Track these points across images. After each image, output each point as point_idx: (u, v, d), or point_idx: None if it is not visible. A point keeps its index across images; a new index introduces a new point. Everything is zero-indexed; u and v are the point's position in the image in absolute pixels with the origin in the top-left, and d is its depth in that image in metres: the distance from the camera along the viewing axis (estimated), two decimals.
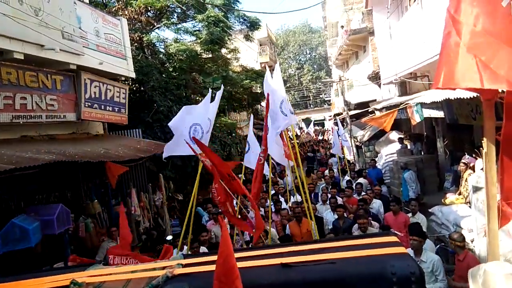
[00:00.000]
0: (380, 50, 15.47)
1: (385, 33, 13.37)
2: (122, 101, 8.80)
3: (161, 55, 13.53)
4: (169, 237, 7.38)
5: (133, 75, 9.16)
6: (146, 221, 9.13)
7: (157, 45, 13.85)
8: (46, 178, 6.31)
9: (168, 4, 12.95)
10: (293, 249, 2.05)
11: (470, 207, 6.71)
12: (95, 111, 7.80)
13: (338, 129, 11.77)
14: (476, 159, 7.98)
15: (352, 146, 16.57)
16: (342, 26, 25.55)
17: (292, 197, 9.37)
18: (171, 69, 12.80)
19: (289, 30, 59.15)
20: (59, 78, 6.84)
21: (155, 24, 13.51)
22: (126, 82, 9.67)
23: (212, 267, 1.77)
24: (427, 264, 4.65)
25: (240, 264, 1.87)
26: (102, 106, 8.03)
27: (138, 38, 12.32)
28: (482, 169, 6.90)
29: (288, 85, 51.53)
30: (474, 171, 7.49)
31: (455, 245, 4.64)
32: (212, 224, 7.68)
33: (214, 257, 1.81)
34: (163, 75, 11.77)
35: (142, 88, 11.24)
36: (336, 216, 7.29)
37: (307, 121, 37.73)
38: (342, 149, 12.92)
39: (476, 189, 6.07)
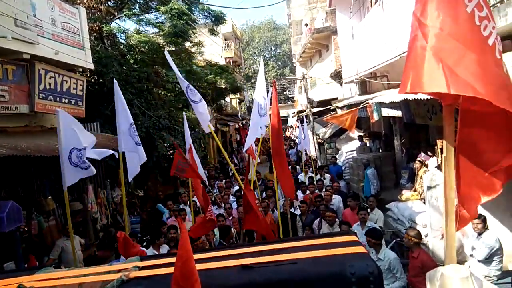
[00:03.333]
0: (342, 50, 15.78)
1: (348, 33, 13.65)
2: (79, 93, 8.43)
3: (121, 47, 13.04)
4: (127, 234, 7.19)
5: (91, 66, 8.77)
6: (103, 218, 8.84)
7: (117, 36, 13.34)
8: None
9: None
10: (254, 250, 2.02)
11: (424, 203, 7.02)
12: (49, 103, 7.42)
13: (303, 126, 11.93)
14: (431, 157, 8.36)
15: (314, 143, 16.87)
16: (306, 24, 25.87)
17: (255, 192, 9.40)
18: (132, 61, 12.36)
19: (254, 26, 59.14)
20: (10, 68, 6.43)
21: (116, 14, 13.00)
22: (84, 74, 9.25)
23: (171, 270, 1.72)
24: (384, 262, 4.80)
25: (200, 266, 1.83)
26: (58, 98, 7.65)
27: (97, 28, 11.81)
28: (436, 167, 7.24)
29: (252, 81, 51.60)
30: (428, 169, 7.83)
31: (412, 241, 4.81)
32: (173, 221, 7.56)
33: (173, 259, 1.75)
34: (124, 67, 11.36)
35: (101, 80, 10.79)
36: (299, 212, 7.42)
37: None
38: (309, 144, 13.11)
39: (430, 186, 6.36)
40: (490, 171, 1.95)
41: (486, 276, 4.90)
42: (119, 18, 13.16)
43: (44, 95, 7.20)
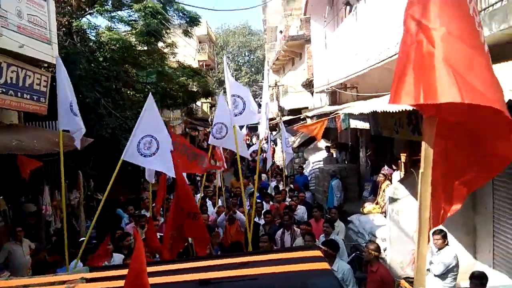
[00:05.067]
0: (315, 59, 15.94)
1: (321, 42, 13.81)
2: (43, 89, 8.07)
3: (91, 43, 12.63)
4: (82, 239, 6.92)
5: None
6: (58, 221, 8.43)
7: (87, 32, 12.91)
8: None
9: None
10: (214, 263, 1.96)
11: (385, 216, 7.16)
12: (10, 98, 7.06)
13: (271, 133, 11.92)
14: (395, 171, 8.57)
15: (283, 151, 16.92)
16: (281, 31, 26.08)
17: (219, 200, 9.31)
18: (101, 59, 11.97)
19: (229, 30, 59.09)
20: None
21: (87, 9, 12.57)
22: (50, 69, 8.86)
23: (121, 283, 1.62)
24: (337, 273, 4.82)
25: (155, 280, 1.74)
26: (19, 94, 7.29)
27: (66, 22, 11.37)
28: (399, 181, 7.41)
29: (224, 85, 51.41)
30: (392, 183, 8.01)
31: (372, 254, 4.86)
32: (132, 227, 7.33)
33: (125, 271, 1.65)
34: (92, 65, 10.99)
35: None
36: (263, 221, 7.37)
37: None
38: (273, 154, 13.10)
39: (392, 200, 6.49)
40: (457, 182, 1.93)
41: None
42: (90, 13, 12.72)
43: (4, 89, 6.85)
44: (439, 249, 5.14)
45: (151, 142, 5.36)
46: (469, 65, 1.59)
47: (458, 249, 6.12)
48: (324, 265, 1.91)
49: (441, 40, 1.60)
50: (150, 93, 5.49)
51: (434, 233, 5.07)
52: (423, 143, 1.80)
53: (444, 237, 5.16)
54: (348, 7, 10.92)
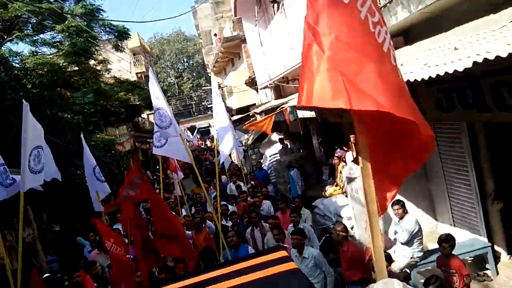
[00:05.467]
0: (253, 57, 16.07)
1: (256, 41, 13.93)
2: None
3: (16, 71, 11.79)
4: (46, 275, 6.48)
5: None
6: (14, 262, 7.83)
7: (10, 60, 12.04)
8: None
9: (19, 14, 11.35)
10: (183, 284, 1.86)
11: (346, 196, 7.37)
12: None
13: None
14: (347, 152, 8.83)
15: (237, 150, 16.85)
16: (216, 34, 26.01)
17: (182, 210, 9.10)
18: (30, 86, 11.22)
19: (163, 39, 57.96)
20: None
21: (6, 36, 11.73)
22: None
23: None
24: (309, 260, 4.89)
25: None
26: None
27: None
28: (352, 160, 7.64)
29: (168, 94, 50.33)
30: (346, 163, 8.25)
31: (340, 235, 4.97)
32: (96, 253, 6.98)
33: None
34: (21, 93, 10.25)
35: None
36: (230, 223, 7.30)
37: (192, 129, 37.39)
38: (230, 155, 13.00)
39: (349, 179, 6.67)
40: (391, 170, 1.97)
41: (411, 258, 5.27)
42: (9, 40, 11.88)
43: None
44: (400, 218, 5.37)
45: (39, 154, 4.67)
46: (358, 71, 1.63)
47: (420, 214, 6.45)
48: (292, 265, 1.88)
49: (330, 46, 1.65)
50: (24, 102, 4.73)
51: (393, 204, 5.29)
52: (356, 139, 1.82)
53: (403, 206, 5.40)
54: (275, 5, 11.07)
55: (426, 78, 3.06)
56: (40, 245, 8.24)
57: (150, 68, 7.09)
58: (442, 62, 2.95)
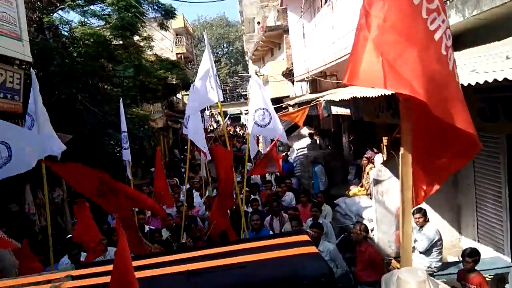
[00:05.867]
0: (293, 48, 15.96)
1: (299, 32, 13.82)
2: (16, 87, 7.81)
3: (64, 39, 12.26)
4: (69, 236, 6.81)
5: (29, 59, 8.15)
6: (42, 220, 8.29)
7: (60, 28, 12.52)
8: None
9: None
10: (202, 253, 1.92)
11: (370, 198, 7.27)
12: None
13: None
14: (377, 154, 8.68)
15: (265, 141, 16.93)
16: (259, 22, 25.95)
17: (206, 191, 9.28)
18: (75, 55, 11.64)
19: (206, 22, 58.44)
20: None
21: (58, 4, 12.18)
22: (22, 67, 8.58)
23: (108, 279, 1.57)
24: (324, 254, 4.89)
25: (143, 274, 1.70)
26: None
27: (37, 18, 11.00)
28: (381, 163, 7.50)
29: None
30: (374, 165, 8.12)
31: (360, 235, 4.93)
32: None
33: (111, 267, 1.60)
34: (66, 60, 10.68)
35: (41, 74, 10.07)
36: (251, 209, 7.37)
37: (224, 115, 37.77)
38: (258, 144, 13.09)
39: (376, 181, 6.58)
40: (436, 164, 1.95)
41: (428, 268, 5.16)
42: (61, 9, 12.34)
43: None
44: (421, 227, 5.26)
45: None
46: (399, 54, 1.65)
47: (443, 225, 6.27)
48: (312, 249, 1.90)
49: (377, 27, 1.68)
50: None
51: (414, 213, 5.18)
52: (401, 126, 1.85)
53: (424, 214, 5.29)
54: None
55: (473, 84, 2.96)
56: (68, 208, 8.65)
57: (205, 32, 7.03)
58: (491, 70, 2.84)
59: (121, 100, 7.35)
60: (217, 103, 5.70)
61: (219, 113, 6.62)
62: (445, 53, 1.77)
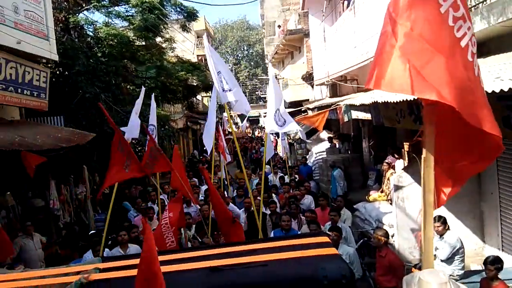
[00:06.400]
0: (314, 52, 15.91)
1: (320, 36, 13.78)
2: (43, 85, 8.05)
3: (89, 39, 12.58)
4: (92, 232, 6.99)
5: (56, 57, 8.40)
6: (66, 215, 8.52)
7: (85, 28, 12.85)
8: None
9: None
10: (223, 251, 1.95)
11: (391, 204, 7.17)
12: (10, 94, 7.04)
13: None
14: (398, 159, 8.55)
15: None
16: (279, 26, 26.01)
17: (225, 192, 9.34)
18: (99, 54, 11.93)
19: (227, 25, 58.89)
20: None
21: (84, 5, 12.51)
22: (48, 65, 8.84)
23: (134, 272, 1.61)
24: (343, 257, 4.85)
25: (167, 268, 1.73)
26: (19, 90, 7.27)
27: (63, 18, 11.31)
28: (403, 169, 7.40)
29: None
30: (395, 171, 8.00)
31: (381, 240, 4.87)
32: (140, 219, 7.36)
33: (137, 261, 1.64)
34: (91, 60, 10.95)
35: (66, 73, 10.35)
36: (269, 212, 7.38)
37: (242, 117, 37.88)
38: (276, 146, 13.10)
39: (397, 187, 6.50)
40: (457, 167, 1.98)
41: (450, 276, 5.05)
42: (87, 9, 12.66)
43: (4, 86, 6.83)
44: (441, 235, 5.15)
45: None
46: (426, 62, 1.70)
47: (467, 234, 6.15)
48: (332, 250, 1.90)
49: (404, 35, 1.72)
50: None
51: (433, 221, 5.07)
52: (424, 129, 1.87)
53: (444, 223, 5.17)
54: (345, 2, 10.88)
55: (497, 91, 2.92)
56: (90, 204, 8.84)
57: (204, 34, 7.11)
58: None
59: (152, 95, 7.45)
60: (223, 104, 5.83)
61: (231, 116, 6.64)
62: (471, 59, 1.81)
